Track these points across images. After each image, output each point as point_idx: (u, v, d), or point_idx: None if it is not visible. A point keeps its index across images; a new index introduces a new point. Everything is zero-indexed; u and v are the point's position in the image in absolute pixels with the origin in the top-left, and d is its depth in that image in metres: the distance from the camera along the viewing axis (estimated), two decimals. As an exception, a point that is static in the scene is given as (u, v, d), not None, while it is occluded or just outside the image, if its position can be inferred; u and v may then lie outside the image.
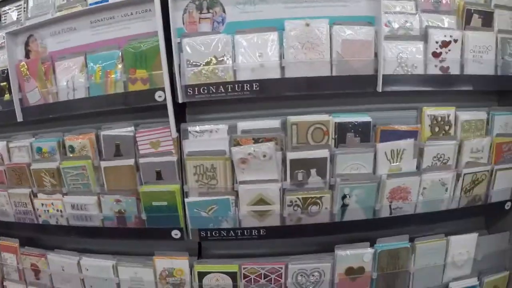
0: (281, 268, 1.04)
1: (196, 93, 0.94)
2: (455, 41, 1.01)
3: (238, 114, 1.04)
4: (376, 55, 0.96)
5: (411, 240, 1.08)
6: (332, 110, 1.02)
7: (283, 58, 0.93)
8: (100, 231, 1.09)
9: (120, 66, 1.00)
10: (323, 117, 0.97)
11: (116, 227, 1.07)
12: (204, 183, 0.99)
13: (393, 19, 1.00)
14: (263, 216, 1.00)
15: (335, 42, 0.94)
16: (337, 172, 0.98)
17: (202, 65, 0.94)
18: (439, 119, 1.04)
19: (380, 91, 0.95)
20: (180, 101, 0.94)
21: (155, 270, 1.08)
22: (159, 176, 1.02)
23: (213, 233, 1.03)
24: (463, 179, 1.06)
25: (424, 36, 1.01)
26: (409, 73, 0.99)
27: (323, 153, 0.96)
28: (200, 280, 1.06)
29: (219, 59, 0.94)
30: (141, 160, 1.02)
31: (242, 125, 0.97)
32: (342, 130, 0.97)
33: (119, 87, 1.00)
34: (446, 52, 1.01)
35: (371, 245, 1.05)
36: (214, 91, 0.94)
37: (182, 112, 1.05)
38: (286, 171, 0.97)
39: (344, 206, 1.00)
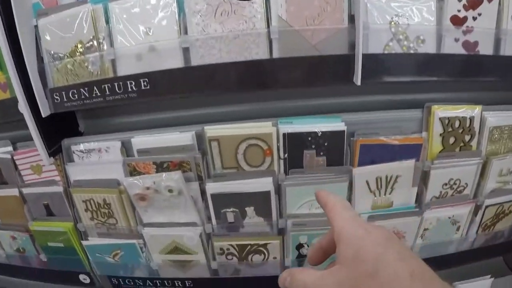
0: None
1: (65, 99, 0.50)
2: (491, -5, 0.46)
3: (143, 119, 0.58)
4: (352, 19, 0.45)
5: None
6: (280, 111, 0.53)
7: (185, 33, 0.45)
8: (8, 270, 0.72)
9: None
10: (262, 126, 0.49)
11: (22, 266, 0.69)
12: (101, 222, 0.56)
13: (386, -51, 0.46)
14: (186, 267, 0.58)
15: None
16: (288, 212, 0.52)
17: (66, 56, 0.47)
18: (457, 124, 0.53)
19: (359, 84, 0.44)
20: (43, 114, 0.51)
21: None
22: (49, 211, 0.61)
23: (127, 282, 0.63)
24: (484, 213, 0.57)
25: (439, -16, 0.47)
26: (411, 52, 0.47)
27: (264, 184, 0.50)
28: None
29: (86, 44, 0.46)
30: (25, 190, 0.60)
31: (138, 141, 0.51)
32: (295, 145, 0.50)
33: (-19, 92, 0.57)
34: (475, 18, 0.47)
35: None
36: (86, 95, 0.48)
37: (70, 118, 0.60)
38: (210, 209, 0.51)
39: (301, 257, 0.54)
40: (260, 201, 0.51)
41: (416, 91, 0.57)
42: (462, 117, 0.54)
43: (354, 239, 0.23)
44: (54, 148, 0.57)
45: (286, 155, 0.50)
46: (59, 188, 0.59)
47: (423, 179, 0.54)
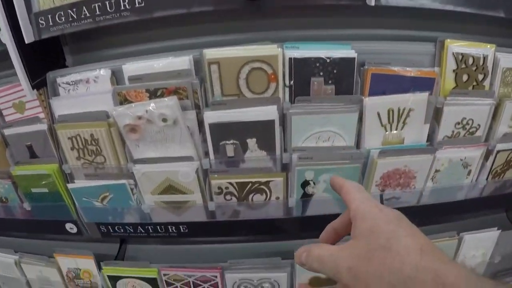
0: (216, 276, 0.57)
1: (51, 23, 0.43)
2: None
3: (135, 50, 0.51)
4: None
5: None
6: (285, 37, 0.47)
7: None
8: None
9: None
10: (267, 49, 0.43)
11: (5, 218, 0.63)
12: (88, 161, 0.50)
13: None
14: (181, 209, 0.52)
15: None
16: (293, 145, 0.46)
17: (50, -30, 0.42)
18: (471, 61, 0.48)
19: (373, 4, 0.39)
20: (26, 40, 0.44)
21: (60, 270, 0.65)
22: (32, 153, 0.54)
23: (116, 229, 0.56)
24: (495, 159, 0.53)
25: None
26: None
27: (268, 112, 0.44)
28: (113, 285, 0.62)
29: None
30: (7, 132, 0.54)
31: (130, 68, 0.45)
32: (302, 72, 0.45)
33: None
34: None
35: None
36: (74, 16, 0.42)
37: (56, 52, 0.53)
38: (207, 142, 0.46)
39: (306, 196, 0.49)
40: (263, 131, 0.45)
41: (429, 28, 0.52)
42: (476, 54, 0.50)
43: (369, 217, 0.24)
44: (38, 80, 0.51)
45: (292, 82, 0.45)
46: (43, 126, 0.52)
47: (435, 116, 0.49)
